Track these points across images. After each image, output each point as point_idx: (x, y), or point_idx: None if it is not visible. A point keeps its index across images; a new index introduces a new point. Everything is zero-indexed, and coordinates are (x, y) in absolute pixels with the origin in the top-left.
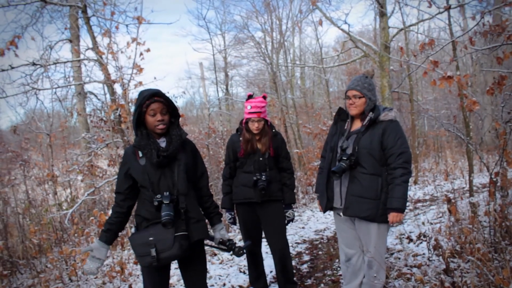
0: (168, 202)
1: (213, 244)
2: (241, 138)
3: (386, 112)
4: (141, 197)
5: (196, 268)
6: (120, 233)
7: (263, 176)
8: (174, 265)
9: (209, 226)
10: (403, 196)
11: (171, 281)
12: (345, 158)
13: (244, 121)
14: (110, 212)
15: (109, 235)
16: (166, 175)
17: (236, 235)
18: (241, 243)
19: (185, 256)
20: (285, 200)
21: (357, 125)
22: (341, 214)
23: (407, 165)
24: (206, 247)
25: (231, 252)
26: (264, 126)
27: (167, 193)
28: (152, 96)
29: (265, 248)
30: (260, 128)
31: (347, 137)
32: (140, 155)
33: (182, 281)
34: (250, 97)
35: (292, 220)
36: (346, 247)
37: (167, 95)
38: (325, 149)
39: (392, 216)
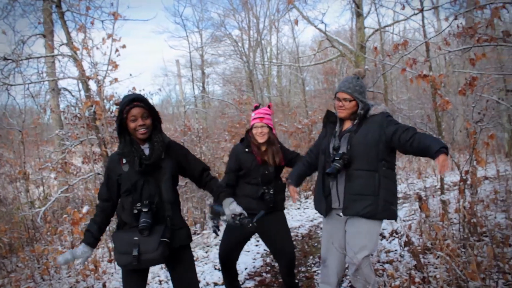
0: (147, 210)
1: (226, 219)
2: (246, 150)
3: (375, 107)
4: (122, 202)
5: (186, 273)
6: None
7: (271, 190)
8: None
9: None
10: (436, 138)
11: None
12: (337, 158)
13: (250, 129)
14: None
15: (96, 240)
16: (150, 183)
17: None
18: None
19: (171, 262)
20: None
21: (348, 125)
22: (340, 214)
23: (418, 132)
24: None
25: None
26: (270, 135)
27: (147, 201)
28: (132, 102)
29: (253, 241)
30: (264, 133)
31: (339, 137)
32: (124, 161)
33: (156, 279)
34: (256, 107)
35: None
36: (325, 249)
37: (143, 92)
38: (311, 149)
39: (442, 159)
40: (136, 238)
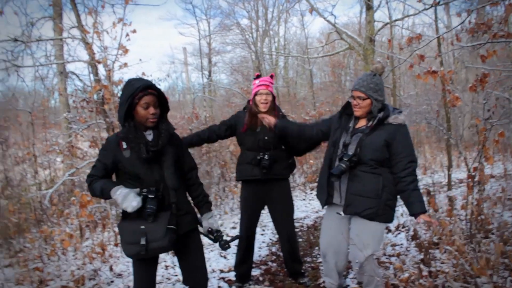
0: (153, 196)
1: (201, 231)
2: (246, 112)
3: (396, 115)
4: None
5: (193, 259)
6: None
7: (266, 156)
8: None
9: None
10: (422, 199)
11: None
12: (345, 159)
13: (252, 98)
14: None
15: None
16: (153, 170)
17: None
18: (231, 234)
19: (178, 248)
20: None
21: (362, 123)
22: (341, 213)
23: (415, 173)
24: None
25: (217, 244)
26: (272, 103)
27: (154, 188)
28: (146, 88)
29: (259, 229)
30: (268, 101)
31: (351, 134)
32: (124, 146)
33: (163, 264)
34: (258, 76)
35: None
36: (324, 244)
37: (151, 78)
38: (313, 125)
39: (422, 218)
40: (143, 227)
